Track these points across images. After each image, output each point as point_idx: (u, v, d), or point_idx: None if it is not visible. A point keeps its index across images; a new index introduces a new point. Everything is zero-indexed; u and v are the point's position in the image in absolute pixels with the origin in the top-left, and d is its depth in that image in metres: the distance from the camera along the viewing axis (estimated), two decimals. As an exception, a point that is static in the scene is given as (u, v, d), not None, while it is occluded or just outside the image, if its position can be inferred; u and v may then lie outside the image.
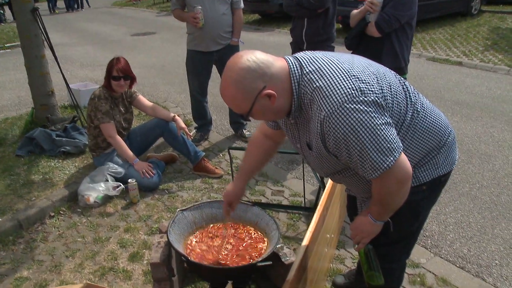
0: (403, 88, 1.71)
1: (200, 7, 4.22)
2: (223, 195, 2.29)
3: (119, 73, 3.84)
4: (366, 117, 1.48)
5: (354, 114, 1.47)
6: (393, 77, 1.71)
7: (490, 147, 4.68)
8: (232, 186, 2.25)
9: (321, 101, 1.52)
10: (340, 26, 10.85)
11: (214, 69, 4.71)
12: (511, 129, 5.09)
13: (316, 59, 1.62)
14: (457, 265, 2.97)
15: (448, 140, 1.83)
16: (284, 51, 4.46)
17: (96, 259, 3.11)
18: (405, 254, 2.14)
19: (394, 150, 1.52)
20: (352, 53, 3.63)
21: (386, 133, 1.51)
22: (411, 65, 3.71)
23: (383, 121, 1.51)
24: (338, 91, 1.50)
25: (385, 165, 1.52)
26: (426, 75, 7.37)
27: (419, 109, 1.72)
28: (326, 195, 2.53)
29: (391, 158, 1.52)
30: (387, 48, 3.46)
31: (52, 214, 3.63)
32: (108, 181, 3.82)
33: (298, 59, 1.63)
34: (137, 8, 20.90)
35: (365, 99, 1.50)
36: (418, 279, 2.81)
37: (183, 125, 4.13)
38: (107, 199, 3.80)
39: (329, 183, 2.65)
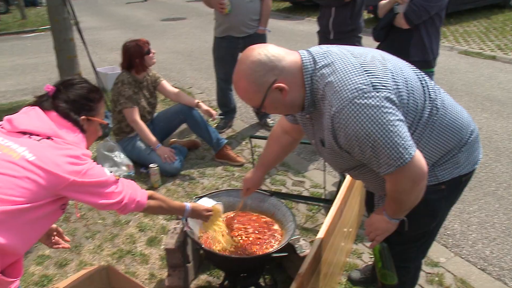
0: (421, 84, 1.65)
1: (226, -7, 4.20)
2: (242, 180, 2.35)
3: (148, 44, 3.99)
4: (377, 113, 1.44)
5: (365, 110, 1.44)
6: (411, 72, 1.65)
7: (521, 145, 4.53)
8: (251, 174, 2.30)
9: (332, 96, 1.49)
10: (372, 16, 10.66)
11: (240, 56, 4.68)
12: (543, 128, 4.91)
13: (329, 54, 1.58)
14: (478, 267, 2.89)
15: (470, 138, 1.76)
16: (313, 40, 4.40)
17: (115, 241, 3.16)
18: (421, 254, 2.10)
19: (409, 147, 1.48)
20: (379, 44, 3.57)
21: (399, 129, 1.47)
22: (442, 58, 3.61)
23: (396, 118, 1.47)
24: (349, 86, 1.47)
25: (401, 161, 1.48)
26: (457, 69, 7.18)
27: (438, 106, 1.66)
28: (345, 188, 2.50)
29: (407, 156, 1.48)
30: (415, 40, 3.37)
31: (75, 195, 3.69)
32: (115, 165, 3.85)
33: (312, 53, 1.60)
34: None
35: (377, 94, 1.45)
36: (436, 278, 2.75)
37: (206, 107, 4.17)
38: (128, 182, 3.84)
39: (348, 176, 2.62)
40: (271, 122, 5.03)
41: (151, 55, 3.98)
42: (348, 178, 2.61)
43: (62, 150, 1.57)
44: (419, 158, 1.53)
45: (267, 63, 1.52)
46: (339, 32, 4.07)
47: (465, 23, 10.37)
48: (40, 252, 3.05)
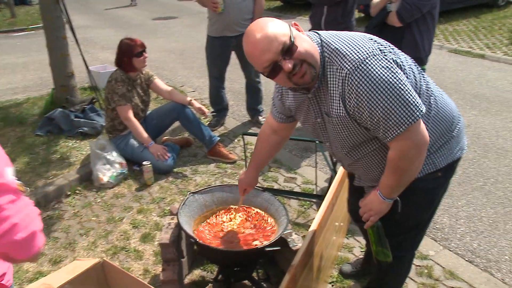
0: (416, 66, 1.74)
1: (220, -8, 4.23)
2: (238, 181, 2.38)
3: (141, 48, 3.94)
4: (388, 73, 1.51)
5: (377, 70, 1.50)
6: (407, 56, 1.73)
7: (508, 142, 4.61)
8: (245, 174, 2.34)
9: (341, 60, 1.56)
10: (362, 15, 10.73)
11: (233, 55, 4.72)
12: (531, 125, 5.00)
13: (329, 32, 1.69)
14: (466, 259, 2.96)
15: (459, 124, 1.86)
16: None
17: (109, 238, 3.19)
18: (416, 244, 2.16)
19: (419, 104, 1.55)
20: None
21: (410, 88, 1.54)
22: (432, 57, 3.68)
23: (405, 78, 1.55)
24: (358, 50, 1.54)
25: (411, 120, 1.54)
26: (446, 67, 7.26)
27: (431, 87, 1.76)
28: (336, 183, 2.54)
29: (417, 113, 1.54)
30: (408, 38, 3.44)
31: (69, 193, 3.72)
32: (108, 163, 3.87)
33: (312, 31, 1.70)
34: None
35: (385, 56, 1.54)
36: (426, 270, 2.81)
37: (199, 105, 4.22)
38: (121, 179, 3.88)
39: (340, 170, 2.66)
40: (263, 119, 5.07)
41: (141, 58, 3.94)
42: (339, 173, 2.66)
43: None
44: (423, 125, 1.61)
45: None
46: (331, 30, 4.11)
47: (454, 22, 10.48)
48: (34, 249, 3.07)
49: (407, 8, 3.29)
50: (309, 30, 4.40)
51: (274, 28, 1.52)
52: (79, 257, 3.00)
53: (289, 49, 1.52)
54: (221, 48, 4.58)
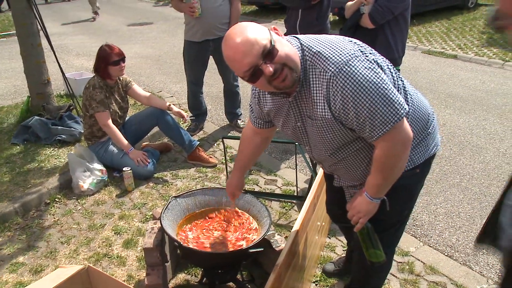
0: (392, 66, 1.78)
1: (197, -3, 4.24)
2: (226, 186, 2.39)
3: (118, 57, 3.89)
4: (372, 73, 1.54)
5: (361, 71, 1.53)
6: (383, 57, 1.77)
7: (482, 139, 4.73)
8: (231, 178, 2.35)
9: (324, 63, 1.58)
10: (337, 18, 10.86)
11: (211, 59, 4.73)
12: (503, 122, 5.14)
13: (308, 36, 1.70)
14: (445, 254, 3.03)
15: (434, 122, 1.92)
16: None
17: (91, 245, 3.16)
18: (396, 240, 2.21)
19: (403, 103, 1.58)
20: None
21: (392, 87, 1.58)
22: (406, 58, 3.76)
23: (387, 77, 1.59)
24: (340, 52, 1.57)
25: (396, 118, 1.57)
26: (420, 68, 7.42)
27: (406, 86, 1.80)
28: (317, 184, 2.58)
29: (401, 111, 1.57)
30: (381, 39, 3.50)
31: (48, 201, 3.67)
32: (88, 170, 3.83)
33: (292, 36, 1.71)
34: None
35: (367, 57, 1.57)
36: (407, 267, 2.87)
37: (178, 109, 4.21)
38: (101, 186, 3.85)
39: (321, 171, 2.70)
40: (242, 123, 5.09)
41: (118, 67, 3.90)
42: (320, 173, 2.69)
43: None
44: (406, 123, 1.65)
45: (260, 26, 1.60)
46: (306, 33, 4.15)
47: (427, 23, 10.69)
48: (14, 259, 3.02)
49: (379, 10, 3.36)
50: (285, 34, 4.46)
51: (254, 32, 1.52)
52: (61, 265, 2.96)
53: (270, 53, 1.52)
54: (199, 52, 4.59)
